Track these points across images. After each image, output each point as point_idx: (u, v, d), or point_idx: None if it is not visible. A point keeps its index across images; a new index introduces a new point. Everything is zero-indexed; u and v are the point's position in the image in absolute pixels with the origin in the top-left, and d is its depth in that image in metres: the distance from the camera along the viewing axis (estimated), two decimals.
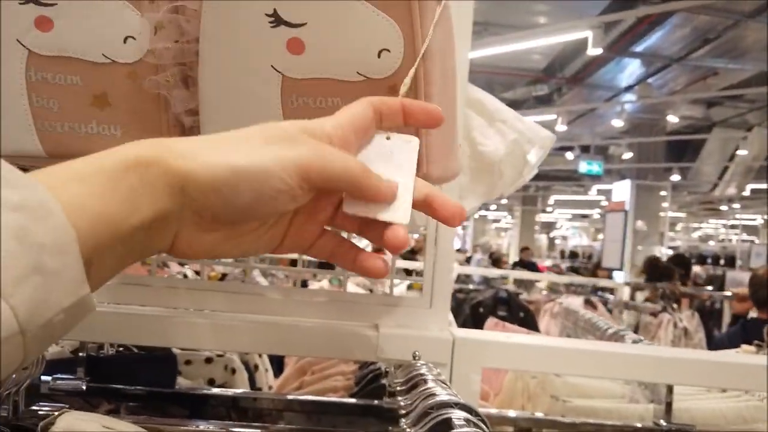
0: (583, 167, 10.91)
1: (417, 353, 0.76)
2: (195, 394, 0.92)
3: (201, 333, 0.80)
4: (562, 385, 1.04)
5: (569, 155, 11.84)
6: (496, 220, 23.03)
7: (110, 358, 0.95)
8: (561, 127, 8.96)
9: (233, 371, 1.14)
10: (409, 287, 3.04)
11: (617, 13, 5.75)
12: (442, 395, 0.51)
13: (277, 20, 0.49)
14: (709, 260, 13.30)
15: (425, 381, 0.59)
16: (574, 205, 19.24)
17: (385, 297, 0.87)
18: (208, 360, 1.13)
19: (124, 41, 0.55)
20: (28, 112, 0.56)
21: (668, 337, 2.96)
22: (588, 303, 3.31)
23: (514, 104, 9.72)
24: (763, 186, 11.64)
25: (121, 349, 1.03)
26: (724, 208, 16.23)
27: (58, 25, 0.55)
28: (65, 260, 0.30)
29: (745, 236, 16.99)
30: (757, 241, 16.19)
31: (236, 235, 0.40)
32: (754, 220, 17.45)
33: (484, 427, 0.45)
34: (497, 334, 0.83)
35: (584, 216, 21.18)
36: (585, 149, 11.78)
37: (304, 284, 3.10)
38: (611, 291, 3.68)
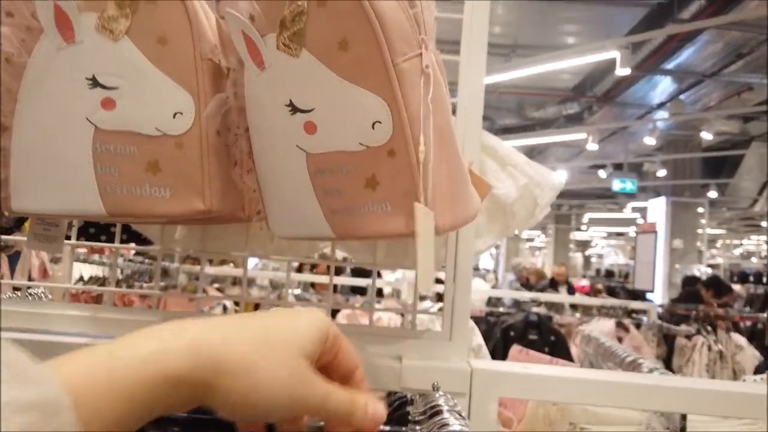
0: (617, 185, 10.80)
1: (436, 384, 0.82)
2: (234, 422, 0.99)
3: None
4: (581, 413, 1.08)
5: (602, 173, 11.73)
6: (530, 239, 22.82)
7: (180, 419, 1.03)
8: (592, 146, 8.91)
9: None
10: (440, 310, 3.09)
11: (644, 33, 5.75)
12: (455, 425, 0.57)
13: (293, 108, 0.58)
14: (751, 278, 12.92)
15: (441, 411, 0.65)
16: (608, 223, 18.96)
17: (407, 330, 0.93)
18: None
19: (174, 116, 0.64)
20: (93, 179, 0.65)
21: (703, 361, 2.93)
22: (620, 326, 3.30)
23: (545, 123, 9.76)
24: None
25: None
26: (765, 224, 15.78)
27: (120, 104, 0.64)
28: None
29: None
30: None
31: None
32: None
33: None
34: (513, 365, 0.89)
35: (620, 234, 20.84)
36: (618, 167, 11.66)
37: (335, 312, 3.20)
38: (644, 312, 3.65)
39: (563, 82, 8.67)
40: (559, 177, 0.90)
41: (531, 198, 0.88)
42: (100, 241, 1.06)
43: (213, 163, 0.66)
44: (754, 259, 19.96)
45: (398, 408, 1.12)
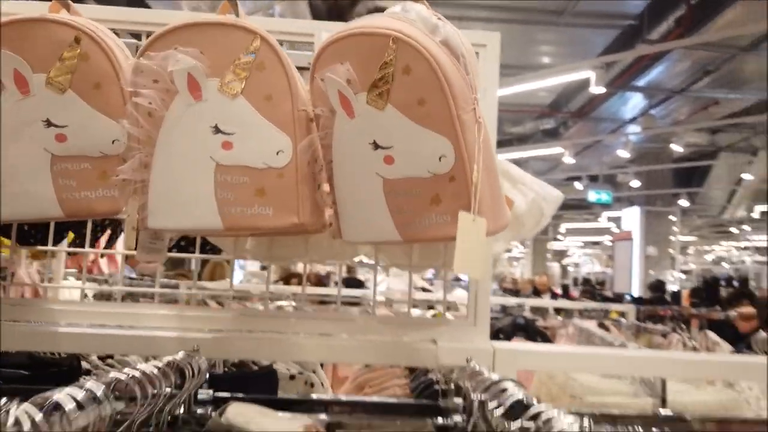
0: (592, 196, 11.20)
1: (469, 358, 1.03)
2: (294, 400, 1.19)
3: (305, 348, 1.08)
4: (579, 387, 1.30)
5: (578, 185, 12.12)
6: (508, 250, 23.17)
7: (228, 376, 1.23)
8: (568, 159, 9.27)
9: (312, 385, 1.42)
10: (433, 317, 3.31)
11: (616, 54, 6.09)
12: (495, 376, 0.79)
13: (375, 146, 0.80)
14: (723, 282, 13.39)
15: (481, 372, 0.86)
16: (584, 232, 19.40)
17: (439, 319, 1.15)
18: (292, 377, 1.40)
19: (277, 153, 0.85)
20: (214, 202, 0.85)
21: None
22: (602, 326, 3.54)
23: (523, 138, 10.09)
24: None
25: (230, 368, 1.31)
26: (735, 230, 16.35)
27: (236, 146, 0.85)
28: None
29: (758, 257, 17.09)
30: None
31: None
32: (765, 241, 17.50)
33: (525, 391, 0.72)
34: (527, 344, 1.10)
35: (595, 243, 21.31)
36: (593, 178, 12.06)
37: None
38: (622, 315, 3.91)
39: (539, 98, 9.02)
40: (559, 192, 1.12)
41: (538, 209, 1.10)
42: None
43: (304, 188, 0.86)
44: (725, 264, 20.58)
45: (425, 389, 1.32)
